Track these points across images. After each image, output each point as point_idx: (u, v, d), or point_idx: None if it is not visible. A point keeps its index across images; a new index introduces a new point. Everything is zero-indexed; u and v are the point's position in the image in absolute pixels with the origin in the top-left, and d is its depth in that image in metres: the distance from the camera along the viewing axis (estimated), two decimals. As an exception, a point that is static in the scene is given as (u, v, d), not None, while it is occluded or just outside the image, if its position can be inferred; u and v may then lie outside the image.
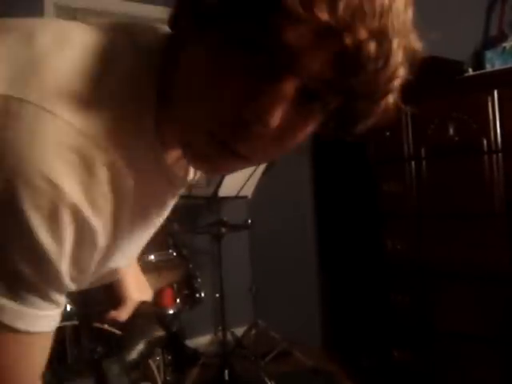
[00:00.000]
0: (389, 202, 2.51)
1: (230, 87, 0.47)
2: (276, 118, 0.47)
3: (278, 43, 0.45)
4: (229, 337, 2.98)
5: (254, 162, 0.55)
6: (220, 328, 2.92)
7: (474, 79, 2.33)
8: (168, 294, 2.56)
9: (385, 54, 0.47)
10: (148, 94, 0.53)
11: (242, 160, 0.52)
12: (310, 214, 3.53)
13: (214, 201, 2.93)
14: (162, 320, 1.16)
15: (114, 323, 1.00)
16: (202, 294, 2.61)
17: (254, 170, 2.92)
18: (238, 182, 2.94)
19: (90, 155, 0.47)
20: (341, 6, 0.43)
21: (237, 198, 3.05)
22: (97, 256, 0.54)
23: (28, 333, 0.52)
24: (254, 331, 3.37)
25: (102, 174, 0.49)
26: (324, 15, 0.43)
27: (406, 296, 2.45)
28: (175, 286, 2.58)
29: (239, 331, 3.35)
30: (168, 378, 2.58)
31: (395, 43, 0.48)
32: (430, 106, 2.36)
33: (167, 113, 0.54)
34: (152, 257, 2.35)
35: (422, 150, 2.39)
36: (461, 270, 2.28)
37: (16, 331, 0.51)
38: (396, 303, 2.49)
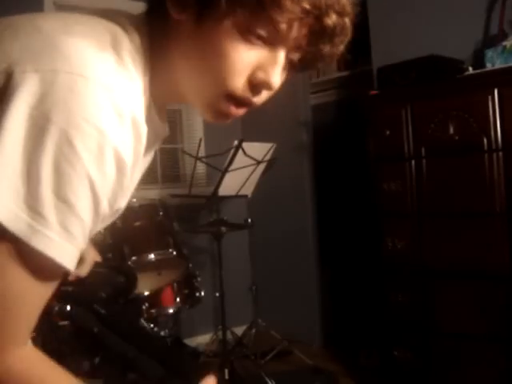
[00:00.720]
0: (389, 201, 2.51)
1: (245, 61, 0.64)
2: (278, 76, 0.67)
3: (276, 28, 0.63)
4: (229, 336, 2.97)
5: (255, 107, 0.71)
6: (220, 327, 2.92)
7: (474, 78, 2.32)
8: (168, 293, 2.56)
9: (345, 27, 0.67)
10: (145, 63, 0.67)
11: (249, 107, 0.70)
12: (310, 214, 3.53)
13: (214, 200, 2.93)
14: (121, 269, 1.20)
15: (78, 281, 1.03)
16: (202, 293, 2.60)
17: (254, 170, 2.92)
18: (238, 182, 2.94)
19: (120, 106, 0.59)
20: None
21: (237, 197, 3.04)
22: (122, 194, 0.65)
23: (55, 262, 0.57)
24: (254, 330, 3.37)
25: (129, 121, 0.60)
26: (306, 5, 0.62)
27: (406, 295, 2.45)
28: (175, 285, 2.58)
29: (239, 330, 3.35)
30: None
31: (348, 19, 0.67)
32: (430, 105, 2.36)
33: (158, 77, 0.69)
34: (152, 256, 2.35)
35: (423, 149, 2.39)
36: (461, 270, 2.28)
37: (45, 257, 0.57)
38: (396, 302, 2.49)
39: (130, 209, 2.53)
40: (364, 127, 2.66)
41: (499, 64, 2.29)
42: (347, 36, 0.69)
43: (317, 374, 2.92)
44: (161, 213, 2.51)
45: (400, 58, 2.52)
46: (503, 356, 2.17)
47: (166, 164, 3.85)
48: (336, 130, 3.61)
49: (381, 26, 3.03)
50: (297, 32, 0.64)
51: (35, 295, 0.61)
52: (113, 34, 0.64)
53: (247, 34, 0.63)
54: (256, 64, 0.65)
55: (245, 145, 2.73)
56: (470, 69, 2.40)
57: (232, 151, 2.74)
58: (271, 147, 2.94)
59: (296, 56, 0.69)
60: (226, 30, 0.63)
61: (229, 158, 2.76)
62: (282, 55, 0.66)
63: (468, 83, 2.32)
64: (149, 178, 3.73)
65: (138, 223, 2.44)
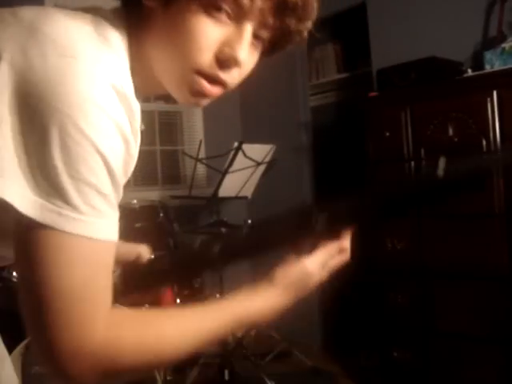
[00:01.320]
0: (388, 202, 2.51)
1: (210, 37, 0.66)
2: (245, 52, 0.67)
3: (238, 1, 0.65)
4: (229, 337, 2.98)
5: (228, 87, 0.71)
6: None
7: (473, 80, 2.33)
8: (168, 295, 2.56)
9: (308, 2, 0.69)
10: (126, 51, 0.67)
11: (223, 87, 0.70)
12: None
13: (214, 201, 2.93)
14: None
15: None
16: (202, 294, 2.61)
17: (254, 171, 2.93)
18: (238, 183, 2.94)
19: (112, 83, 0.59)
20: None
21: (237, 198, 3.05)
22: (132, 162, 0.66)
23: (96, 239, 0.59)
24: (253, 331, 3.37)
25: (122, 97, 0.61)
26: None
27: (406, 296, 2.46)
28: (175, 286, 2.59)
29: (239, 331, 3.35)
30: (168, 378, 2.59)
31: None
32: (429, 107, 2.36)
33: (137, 68, 0.69)
34: (152, 257, 2.35)
35: (422, 151, 2.39)
36: (461, 270, 2.29)
37: (86, 238, 0.58)
38: (396, 303, 2.49)
39: (130, 210, 2.53)
40: (364, 129, 2.66)
41: (498, 66, 2.29)
42: (313, 10, 0.70)
43: (317, 374, 2.92)
44: (161, 214, 2.52)
45: (399, 59, 2.53)
46: (503, 356, 2.17)
47: (167, 165, 3.86)
48: (336, 131, 3.61)
49: (380, 28, 3.04)
50: (260, 4, 0.66)
51: (99, 272, 0.61)
52: (94, 20, 0.65)
53: (211, 10, 0.65)
54: (222, 40, 0.66)
55: (245, 146, 2.73)
56: (469, 70, 2.41)
57: (232, 153, 2.74)
58: (271, 149, 2.94)
59: (264, 34, 0.70)
60: (191, 9, 0.65)
61: (229, 160, 2.76)
62: (247, 30, 0.67)
63: (467, 85, 2.33)
64: (149, 179, 3.74)
65: (138, 224, 2.45)
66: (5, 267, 2.26)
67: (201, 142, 3.05)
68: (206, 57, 0.66)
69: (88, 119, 0.57)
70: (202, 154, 3.18)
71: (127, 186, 0.67)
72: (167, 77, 0.70)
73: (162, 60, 0.69)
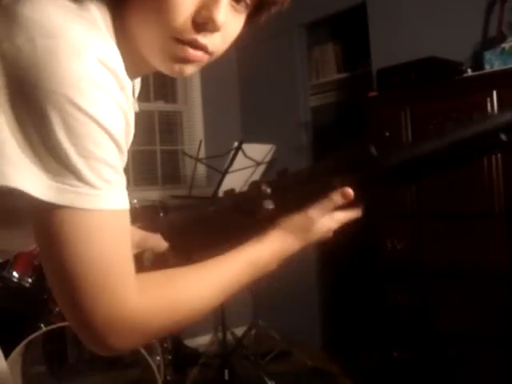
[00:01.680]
0: (388, 201, 2.52)
1: (186, 0, 0.65)
2: (222, 14, 0.66)
3: None
4: (229, 337, 2.98)
5: (212, 54, 0.70)
6: (220, 328, 2.93)
7: (473, 80, 2.33)
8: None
9: None
10: (112, 32, 0.67)
11: (205, 52, 0.69)
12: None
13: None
14: None
15: None
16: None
17: (254, 171, 2.93)
18: (238, 183, 2.94)
19: (101, 59, 0.59)
20: None
21: (237, 198, 3.05)
22: (130, 131, 0.67)
23: (114, 211, 0.61)
24: (253, 331, 3.38)
25: (113, 72, 0.61)
26: None
27: (406, 296, 2.46)
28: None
29: (239, 331, 3.35)
30: (168, 378, 2.59)
31: None
32: (429, 107, 2.36)
33: (122, 49, 0.68)
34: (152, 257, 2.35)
35: (422, 151, 2.39)
36: (461, 270, 2.29)
37: (105, 211, 0.60)
38: (395, 303, 2.49)
39: (130, 210, 2.52)
40: (363, 129, 2.66)
41: (498, 66, 2.30)
42: None
43: (316, 374, 2.93)
44: (161, 214, 2.52)
45: (399, 59, 2.53)
46: (503, 356, 2.17)
47: (167, 165, 3.86)
48: (336, 131, 3.61)
49: (380, 28, 3.04)
50: None
51: (122, 241, 0.63)
52: (78, 1, 0.65)
53: None
54: (199, 3, 0.66)
55: (245, 146, 2.74)
56: (469, 70, 2.41)
57: (232, 152, 2.75)
58: (271, 149, 2.95)
59: None
60: None
61: (229, 160, 2.77)
62: None
63: (467, 85, 2.33)
64: (149, 179, 3.74)
65: (138, 224, 2.45)
66: (5, 267, 2.27)
67: (201, 141, 3.05)
68: (182, 21, 0.65)
69: (85, 96, 0.57)
70: (202, 154, 3.19)
71: (127, 186, 0.67)
72: (150, 50, 0.70)
73: (144, 33, 0.69)
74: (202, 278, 0.70)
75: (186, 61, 0.68)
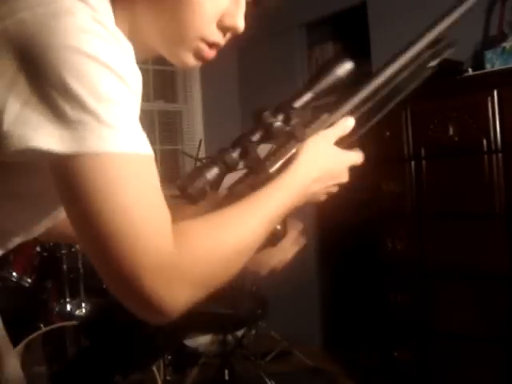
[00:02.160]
0: (389, 201, 2.51)
1: (214, 9, 0.72)
2: (242, 19, 0.75)
3: None
4: (229, 337, 2.98)
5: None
6: (220, 328, 2.92)
7: (473, 79, 2.33)
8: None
9: None
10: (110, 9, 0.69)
11: (218, 49, 0.77)
12: (310, 213, 3.53)
13: (214, 201, 2.93)
14: None
15: None
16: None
17: (254, 170, 2.92)
18: (238, 182, 2.94)
19: (98, 19, 0.61)
20: None
21: (237, 198, 3.04)
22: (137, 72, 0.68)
23: (139, 154, 0.60)
24: (253, 331, 3.37)
25: (113, 32, 0.62)
26: None
27: (406, 296, 2.46)
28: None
29: (239, 331, 3.35)
30: (168, 378, 2.59)
31: None
32: (429, 106, 2.36)
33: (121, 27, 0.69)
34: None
35: (422, 150, 2.39)
36: (461, 270, 2.29)
37: (125, 154, 0.59)
38: (396, 303, 2.49)
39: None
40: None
41: (499, 65, 2.29)
42: None
43: (317, 374, 2.93)
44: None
45: (400, 59, 2.53)
46: (503, 356, 2.17)
47: (166, 165, 3.86)
48: (336, 131, 3.61)
49: (380, 28, 3.04)
50: None
51: (152, 187, 0.62)
52: None
53: None
54: (223, 10, 0.73)
55: (245, 146, 2.73)
56: (470, 70, 2.41)
57: (232, 152, 2.74)
58: (271, 148, 2.94)
59: None
60: None
61: (229, 159, 2.76)
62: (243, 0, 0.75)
63: (468, 84, 2.33)
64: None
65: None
66: (4, 267, 2.26)
67: (201, 141, 3.05)
68: (211, 27, 0.73)
69: (91, 43, 0.58)
70: (201, 154, 3.18)
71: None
72: (162, 40, 0.75)
73: (157, 25, 0.73)
74: (244, 217, 0.70)
75: (205, 59, 0.76)
